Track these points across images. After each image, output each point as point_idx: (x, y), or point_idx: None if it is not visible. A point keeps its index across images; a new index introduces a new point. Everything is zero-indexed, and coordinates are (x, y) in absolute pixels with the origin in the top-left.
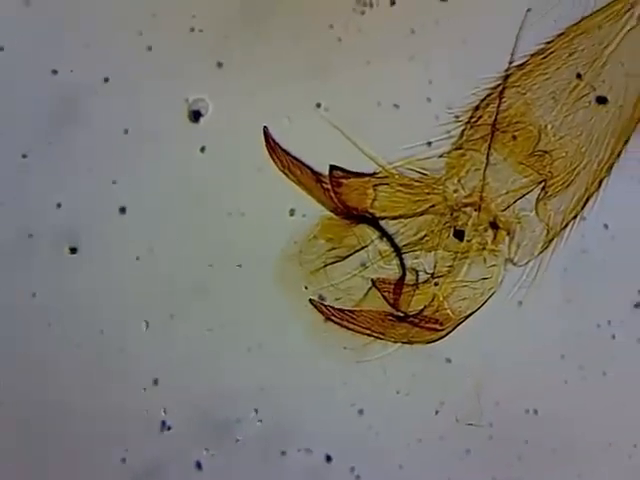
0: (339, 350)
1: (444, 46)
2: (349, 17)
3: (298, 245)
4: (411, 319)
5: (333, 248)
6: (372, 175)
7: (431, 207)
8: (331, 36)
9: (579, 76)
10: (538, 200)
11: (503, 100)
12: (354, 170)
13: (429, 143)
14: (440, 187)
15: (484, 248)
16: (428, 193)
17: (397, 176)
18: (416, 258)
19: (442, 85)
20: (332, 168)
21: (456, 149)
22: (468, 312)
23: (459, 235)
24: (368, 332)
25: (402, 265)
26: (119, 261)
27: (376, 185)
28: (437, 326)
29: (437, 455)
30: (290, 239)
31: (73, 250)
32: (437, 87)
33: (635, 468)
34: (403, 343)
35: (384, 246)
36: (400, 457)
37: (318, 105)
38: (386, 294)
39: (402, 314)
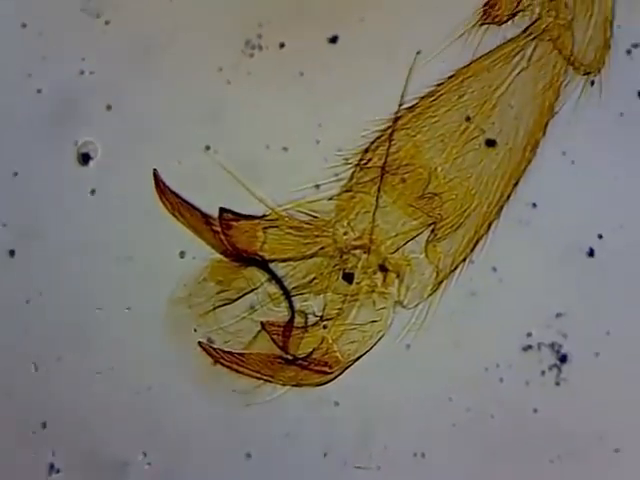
0: (228, 393)
1: (333, 88)
2: (238, 60)
3: (188, 288)
4: (300, 362)
5: (223, 291)
6: (262, 218)
7: (320, 250)
8: (220, 79)
9: (468, 119)
10: (428, 242)
11: (393, 143)
12: (244, 213)
13: (318, 186)
14: (330, 230)
15: (373, 291)
16: (317, 236)
17: (287, 219)
18: (305, 301)
19: (331, 128)
20: (222, 211)
21: (346, 191)
22: (357, 355)
23: (348, 278)
24: (257, 375)
25: (291, 308)
26: (9, 304)
27: (266, 228)
28: (326, 369)
29: None
30: (180, 281)
31: None
32: (326, 130)
33: None
34: (292, 386)
35: (273, 289)
36: None
37: (207, 148)
38: (275, 337)
39: (291, 357)
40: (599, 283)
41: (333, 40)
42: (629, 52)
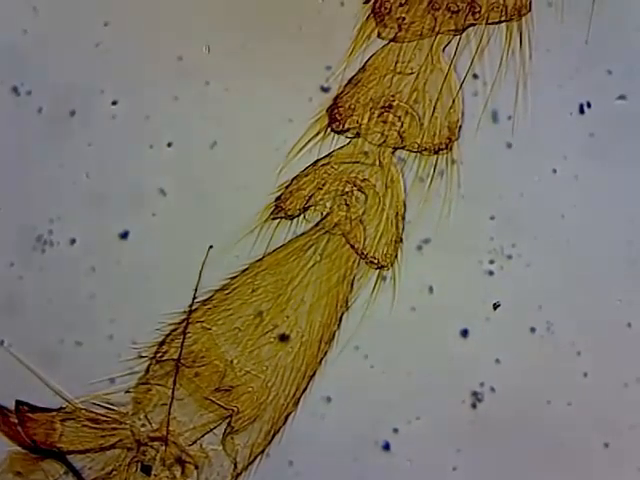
0: None
1: (126, 284)
2: (29, 256)
3: None
4: None
5: None
6: (58, 410)
7: (118, 442)
8: (12, 274)
9: (260, 314)
10: (225, 434)
11: (188, 335)
12: (41, 405)
13: (112, 379)
14: (127, 422)
15: None
16: (115, 428)
17: (83, 411)
18: None
19: (125, 322)
20: (18, 403)
21: (142, 384)
22: None
23: (146, 470)
24: None
25: None
26: None
27: (63, 420)
28: None
29: None
30: None
31: None
32: (119, 325)
33: None
34: None
35: None
36: None
37: (1, 342)
38: None
39: None
40: (393, 477)
41: (124, 235)
42: (419, 247)
